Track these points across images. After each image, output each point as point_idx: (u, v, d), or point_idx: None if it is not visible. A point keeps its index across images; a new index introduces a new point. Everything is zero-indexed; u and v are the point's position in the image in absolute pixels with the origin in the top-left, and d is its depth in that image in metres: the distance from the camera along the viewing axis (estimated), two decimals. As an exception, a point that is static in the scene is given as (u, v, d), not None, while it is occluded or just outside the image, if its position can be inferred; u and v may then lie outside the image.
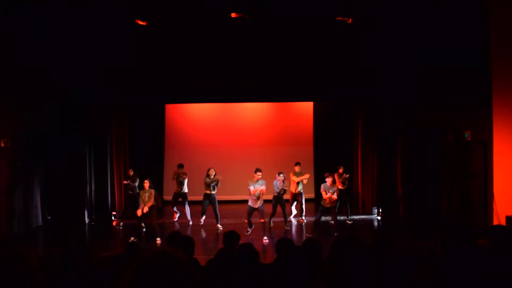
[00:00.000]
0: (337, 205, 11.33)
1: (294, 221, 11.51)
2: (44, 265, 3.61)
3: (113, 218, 11.80)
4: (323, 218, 10.89)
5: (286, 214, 10.87)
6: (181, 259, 1.33)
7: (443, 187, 10.59)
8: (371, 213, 12.30)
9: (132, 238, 9.50)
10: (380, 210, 12.15)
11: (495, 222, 8.49)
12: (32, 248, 9.02)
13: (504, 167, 8.77)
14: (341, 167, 11.40)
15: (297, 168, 11.40)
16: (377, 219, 11.91)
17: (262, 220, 9.60)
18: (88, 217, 11.79)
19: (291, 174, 11.28)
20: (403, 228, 10.75)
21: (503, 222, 8.35)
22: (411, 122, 11.83)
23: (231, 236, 5.13)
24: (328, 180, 9.80)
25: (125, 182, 11.56)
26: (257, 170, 9.81)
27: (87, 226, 11.50)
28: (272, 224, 10.74)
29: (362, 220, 11.87)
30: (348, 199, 11.58)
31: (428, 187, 10.67)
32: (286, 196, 11.07)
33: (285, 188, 10.52)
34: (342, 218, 11.73)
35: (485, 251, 3.74)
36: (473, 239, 3.31)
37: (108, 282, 3.72)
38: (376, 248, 4.24)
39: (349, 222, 11.35)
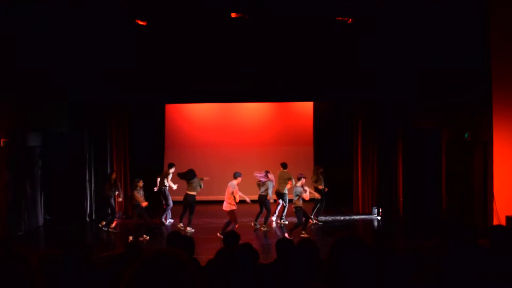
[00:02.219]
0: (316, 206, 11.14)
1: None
2: (44, 265, 3.61)
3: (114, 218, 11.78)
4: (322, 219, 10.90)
5: (270, 214, 10.85)
6: (181, 259, 1.33)
7: (443, 187, 10.59)
8: (371, 213, 12.29)
9: (130, 238, 9.52)
10: (380, 210, 12.15)
11: (495, 222, 8.48)
12: (32, 248, 9.01)
13: (504, 167, 8.76)
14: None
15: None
16: (377, 219, 11.91)
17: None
18: (88, 217, 11.78)
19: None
20: (403, 228, 10.75)
21: (503, 222, 8.35)
22: (411, 122, 11.83)
23: (231, 236, 5.13)
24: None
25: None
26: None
27: (87, 226, 11.49)
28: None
29: (362, 220, 11.87)
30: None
31: (428, 187, 10.68)
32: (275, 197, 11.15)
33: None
34: (342, 218, 11.76)
35: (485, 251, 3.74)
36: (473, 239, 3.31)
37: (108, 282, 3.72)
38: (376, 248, 4.24)
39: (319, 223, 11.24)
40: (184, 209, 10.70)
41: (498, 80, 8.78)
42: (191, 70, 11.70)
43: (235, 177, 10.12)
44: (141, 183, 10.01)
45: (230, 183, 10.02)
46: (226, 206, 9.93)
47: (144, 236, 9.76)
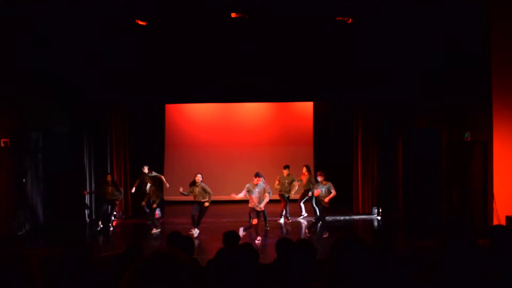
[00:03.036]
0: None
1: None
2: (44, 265, 3.61)
3: (112, 218, 11.77)
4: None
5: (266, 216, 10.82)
6: (181, 259, 1.32)
7: (443, 187, 10.58)
8: (371, 213, 12.29)
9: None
10: (380, 210, 12.15)
11: (495, 222, 8.48)
12: (32, 248, 9.01)
13: (504, 167, 8.76)
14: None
15: (285, 172, 11.44)
16: (377, 219, 11.91)
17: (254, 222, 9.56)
18: (88, 217, 11.78)
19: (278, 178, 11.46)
20: (403, 228, 10.74)
21: (503, 222, 8.35)
22: (411, 122, 11.83)
23: (231, 236, 5.13)
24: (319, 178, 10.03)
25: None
26: (257, 174, 9.69)
27: (87, 226, 11.49)
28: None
29: (362, 220, 11.86)
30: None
31: (428, 187, 10.66)
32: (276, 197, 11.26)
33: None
34: (342, 218, 11.74)
35: (485, 251, 3.74)
36: (473, 239, 3.31)
37: (108, 282, 3.72)
38: (376, 248, 4.24)
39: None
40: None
41: (498, 80, 8.78)
42: (191, 70, 11.70)
43: (259, 176, 9.82)
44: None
45: (265, 185, 9.90)
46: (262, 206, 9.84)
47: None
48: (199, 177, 10.17)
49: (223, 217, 11.23)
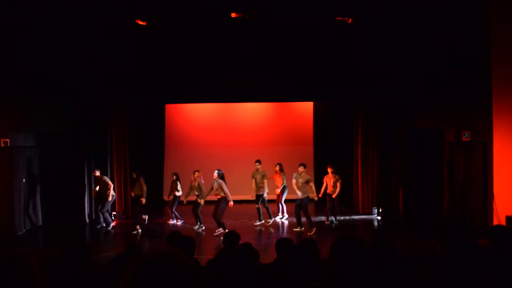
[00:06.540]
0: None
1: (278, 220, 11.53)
2: (44, 265, 3.61)
3: (113, 218, 11.77)
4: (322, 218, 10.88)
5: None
6: (181, 259, 1.32)
7: (443, 187, 10.58)
8: (371, 213, 12.28)
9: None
10: (380, 210, 12.14)
11: (495, 222, 8.48)
12: (32, 248, 9.01)
13: (504, 167, 8.76)
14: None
15: (301, 169, 11.32)
16: (377, 219, 11.90)
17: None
18: (88, 217, 11.77)
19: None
20: (403, 228, 10.73)
21: (503, 222, 8.35)
22: (411, 122, 11.83)
23: (231, 236, 5.13)
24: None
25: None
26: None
27: (87, 226, 11.49)
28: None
29: (362, 220, 11.86)
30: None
31: (428, 187, 10.66)
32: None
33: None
34: (342, 218, 11.74)
35: (485, 251, 3.74)
36: (473, 239, 3.31)
37: (108, 282, 3.72)
38: (376, 248, 4.23)
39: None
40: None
41: (498, 80, 8.78)
42: (191, 70, 11.69)
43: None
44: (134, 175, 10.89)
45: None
46: None
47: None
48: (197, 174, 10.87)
49: (224, 217, 11.20)
